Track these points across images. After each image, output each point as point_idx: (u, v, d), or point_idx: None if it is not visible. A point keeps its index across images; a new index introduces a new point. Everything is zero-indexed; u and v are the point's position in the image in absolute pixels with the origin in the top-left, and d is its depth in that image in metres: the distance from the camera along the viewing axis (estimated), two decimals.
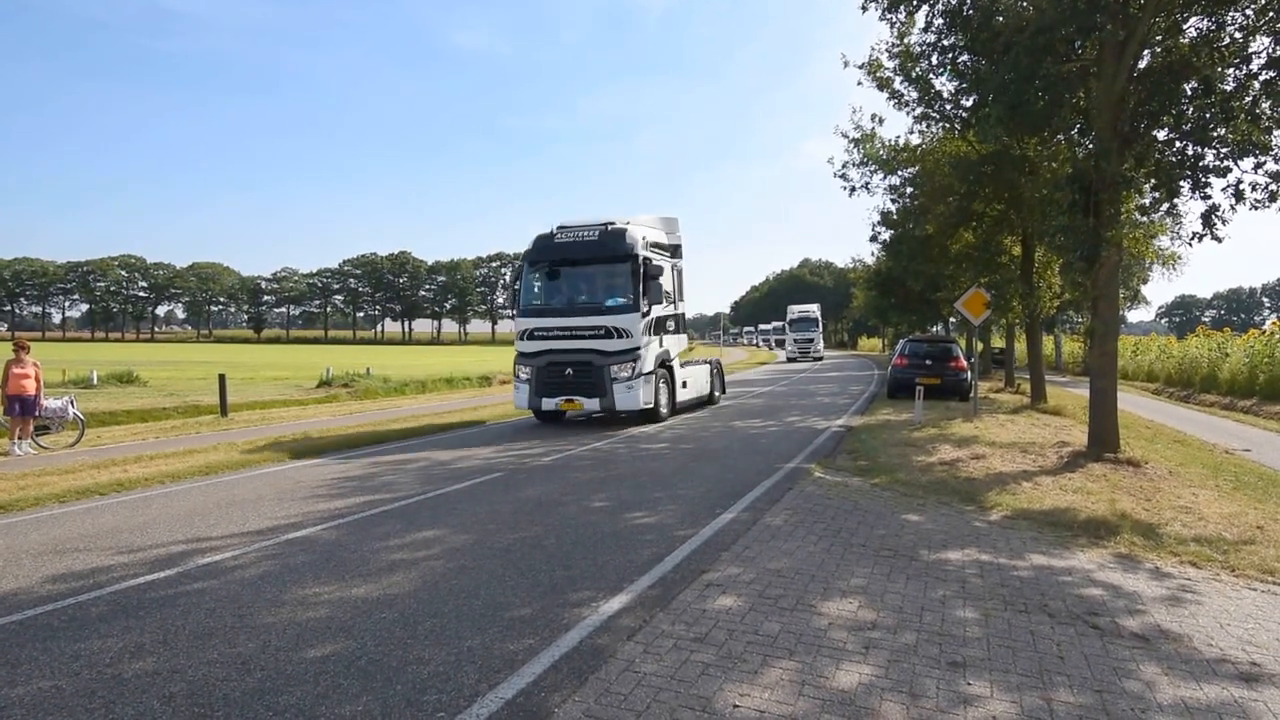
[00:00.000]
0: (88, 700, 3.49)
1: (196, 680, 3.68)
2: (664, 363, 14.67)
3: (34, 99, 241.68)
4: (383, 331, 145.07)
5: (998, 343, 32.32)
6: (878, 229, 23.51)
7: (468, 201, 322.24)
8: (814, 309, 56.13)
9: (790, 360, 51.31)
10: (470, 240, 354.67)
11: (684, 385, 15.85)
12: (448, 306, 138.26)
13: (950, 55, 11.65)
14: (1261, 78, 9.00)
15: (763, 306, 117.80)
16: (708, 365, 18.33)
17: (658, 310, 14.34)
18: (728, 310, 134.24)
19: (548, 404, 14.09)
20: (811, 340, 53.18)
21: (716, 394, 18.64)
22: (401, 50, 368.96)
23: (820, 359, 52.24)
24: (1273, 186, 9.00)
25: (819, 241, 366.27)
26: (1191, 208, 38.97)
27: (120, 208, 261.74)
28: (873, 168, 20.00)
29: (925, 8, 11.41)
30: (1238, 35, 9.35)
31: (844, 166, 20.09)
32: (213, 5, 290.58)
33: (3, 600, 4.86)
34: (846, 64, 15.82)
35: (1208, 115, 9.06)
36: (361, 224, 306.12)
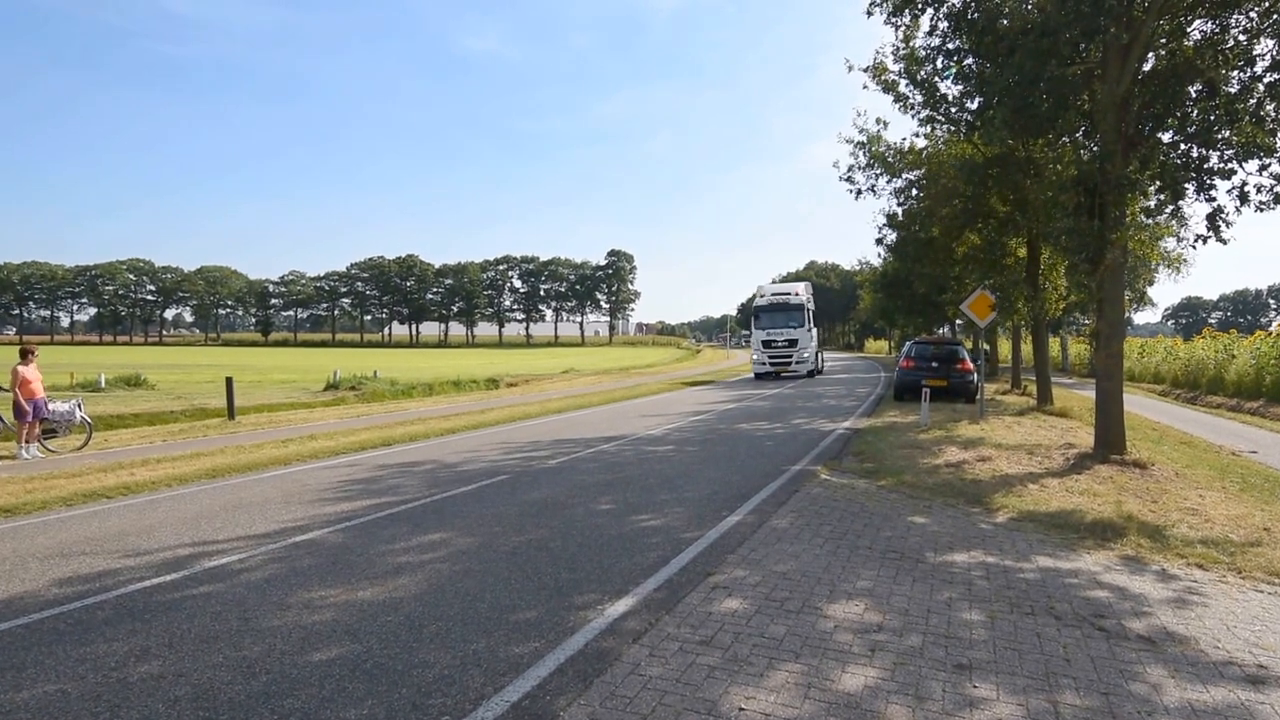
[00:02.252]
0: (93, 704, 3.50)
1: (202, 684, 3.69)
2: None
3: (48, 107, 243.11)
4: (390, 334, 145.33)
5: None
6: (883, 231, 23.58)
7: (477, 206, 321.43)
8: (798, 290, 32.74)
9: (759, 376, 31.22)
10: (479, 246, 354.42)
11: None
12: (454, 310, 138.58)
13: (955, 58, 11.64)
14: (1266, 80, 8.98)
15: None
16: None
17: None
18: (734, 313, 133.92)
19: None
20: (794, 342, 30.86)
21: None
22: (411, 56, 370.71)
23: (817, 372, 33.27)
24: (1277, 188, 8.98)
25: (825, 244, 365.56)
26: (1196, 210, 38.85)
27: (129, 213, 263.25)
28: (878, 170, 20.01)
29: (930, 11, 11.42)
30: (1242, 38, 9.33)
31: (850, 170, 20.11)
32: (223, 12, 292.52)
33: (9, 604, 4.89)
34: (851, 68, 15.79)
35: (1212, 118, 9.05)
36: (369, 228, 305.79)
